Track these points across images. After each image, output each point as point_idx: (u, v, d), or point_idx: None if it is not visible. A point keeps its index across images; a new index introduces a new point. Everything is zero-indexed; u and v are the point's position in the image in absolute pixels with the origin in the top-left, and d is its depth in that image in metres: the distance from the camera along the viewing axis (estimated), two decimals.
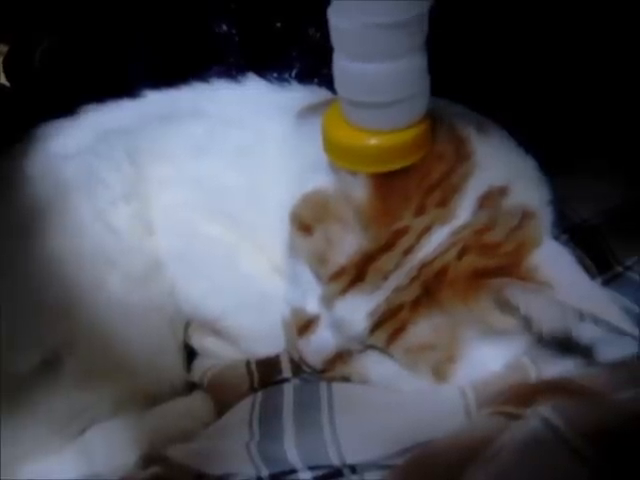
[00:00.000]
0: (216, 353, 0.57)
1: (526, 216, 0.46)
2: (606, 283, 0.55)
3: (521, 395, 0.41)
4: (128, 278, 0.54)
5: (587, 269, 0.54)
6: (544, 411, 0.36)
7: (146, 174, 0.57)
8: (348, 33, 0.40)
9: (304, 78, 0.64)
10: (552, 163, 0.63)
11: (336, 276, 0.45)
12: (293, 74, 0.65)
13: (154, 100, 0.64)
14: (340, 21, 0.40)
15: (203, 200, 0.56)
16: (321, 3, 0.44)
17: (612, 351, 0.46)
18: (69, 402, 0.52)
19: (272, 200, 0.54)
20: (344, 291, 0.44)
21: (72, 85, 0.70)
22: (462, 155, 0.46)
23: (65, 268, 0.53)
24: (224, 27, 0.64)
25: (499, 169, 0.46)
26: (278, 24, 0.65)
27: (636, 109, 0.61)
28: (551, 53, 0.65)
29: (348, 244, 0.45)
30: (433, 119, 0.46)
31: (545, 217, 0.48)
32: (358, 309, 0.44)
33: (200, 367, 0.57)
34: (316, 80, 0.64)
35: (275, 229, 0.52)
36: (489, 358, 0.45)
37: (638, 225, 0.57)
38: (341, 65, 0.42)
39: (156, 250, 0.56)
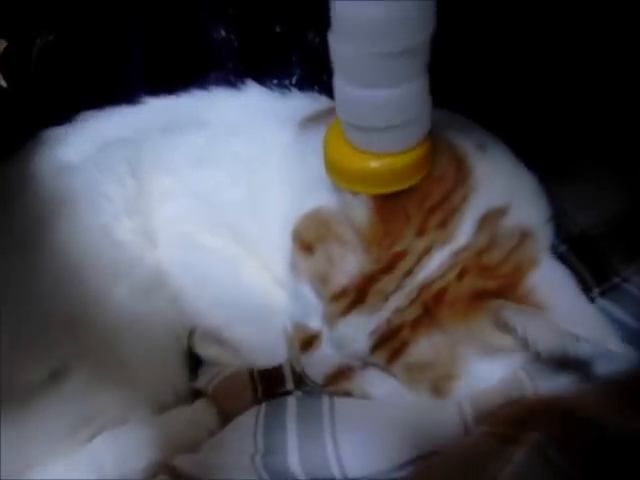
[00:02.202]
0: (220, 362, 0.58)
1: (525, 235, 0.46)
2: (603, 294, 0.55)
3: (518, 416, 0.42)
4: (133, 290, 0.55)
5: (585, 281, 0.56)
6: (538, 438, 0.37)
7: (148, 186, 0.57)
8: (348, 59, 0.40)
9: (304, 85, 0.64)
10: (553, 170, 0.65)
11: (338, 296, 0.46)
12: (293, 81, 0.65)
13: (153, 108, 0.64)
14: (340, 47, 0.40)
15: (204, 212, 0.57)
16: (321, 7, 0.44)
17: (608, 366, 0.48)
18: (78, 410, 0.53)
19: (274, 214, 0.54)
20: (346, 311, 0.45)
21: (70, 87, 0.69)
22: (462, 176, 0.46)
23: (71, 281, 0.54)
24: (222, 32, 0.64)
25: (498, 189, 0.47)
26: (278, 28, 0.65)
27: (636, 116, 0.62)
28: (548, 56, 0.65)
29: (349, 265, 0.45)
30: (433, 137, 0.46)
31: (544, 234, 0.48)
32: (359, 329, 0.45)
33: (205, 375, 0.58)
34: (317, 87, 0.63)
35: (276, 243, 0.53)
36: (487, 374, 0.46)
37: (637, 235, 0.58)
38: (341, 89, 0.42)
39: (160, 261, 0.57)
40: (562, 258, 0.55)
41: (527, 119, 0.64)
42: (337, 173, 0.46)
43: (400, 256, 0.44)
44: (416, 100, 0.42)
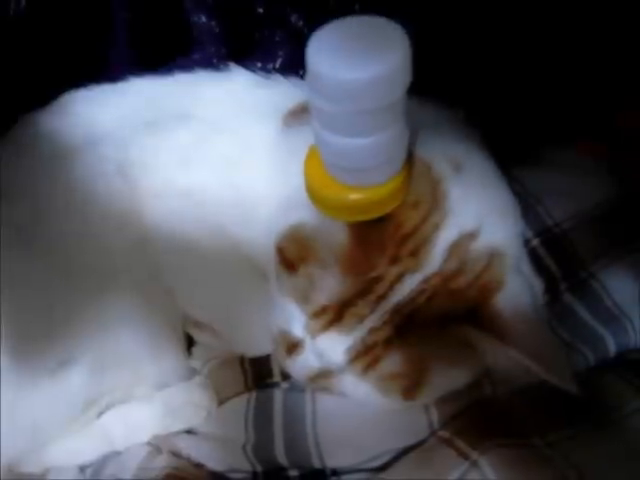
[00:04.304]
0: (212, 345, 0.63)
1: (493, 256, 0.49)
2: (570, 289, 0.58)
3: (474, 431, 0.48)
4: (129, 285, 0.58)
5: (553, 276, 0.58)
6: (483, 464, 0.43)
7: (138, 186, 0.59)
8: (326, 114, 0.41)
9: (288, 69, 0.63)
10: (532, 160, 0.66)
11: (317, 314, 0.49)
12: (277, 64, 0.64)
13: (138, 94, 0.64)
14: (317, 102, 0.40)
15: (193, 211, 0.59)
16: None
17: None
18: (85, 393, 0.58)
19: (260, 214, 0.57)
20: (324, 328, 0.49)
21: (51, 66, 0.68)
22: (436, 201, 0.48)
23: (69, 276, 0.58)
24: (203, 18, 0.62)
25: (470, 212, 0.49)
26: (260, 9, 0.63)
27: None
28: (520, 42, 0.64)
29: (328, 287, 0.49)
30: (410, 155, 0.48)
31: (511, 250, 0.51)
32: (337, 345, 0.49)
33: (199, 355, 0.64)
34: (300, 72, 0.63)
35: (261, 243, 0.56)
36: (452, 380, 0.51)
37: (608, 229, 0.60)
38: (319, 133, 0.43)
39: (153, 258, 0.60)
40: (533, 252, 0.58)
41: (507, 109, 0.65)
42: (317, 200, 0.48)
43: (375, 281, 0.47)
44: (395, 143, 0.43)
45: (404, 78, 0.38)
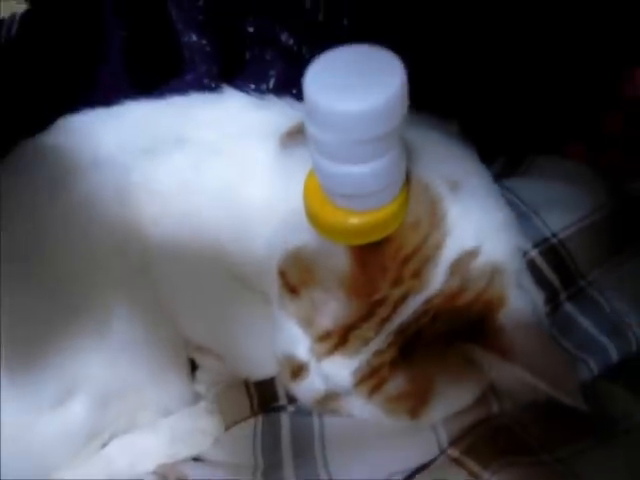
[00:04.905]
0: (216, 370, 0.63)
1: (494, 272, 0.49)
2: (570, 298, 0.59)
3: (483, 449, 0.48)
4: (131, 311, 0.58)
5: (553, 287, 0.59)
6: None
7: (137, 211, 0.59)
8: (324, 143, 0.41)
9: (281, 89, 0.63)
10: (528, 170, 0.66)
11: (322, 338, 0.49)
12: (270, 84, 0.64)
13: (135, 120, 0.63)
14: (314, 131, 0.40)
15: (192, 236, 0.59)
16: (292, 9, 0.44)
17: None
18: (88, 423, 0.57)
19: (259, 237, 0.57)
20: (329, 352, 0.49)
21: (45, 89, 0.68)
22: (436, 220, 0.48)
23: (71, 304, 0.57)
24: (193, 37, 0.62)
25: (470, 230, 0.49)
26: (250, 29, 0.63)
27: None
28: (507, 49, 0.64)
29: (332, 311, 0.49)
30: (408, 174, 0.48)
31: (512, 265, 0.51)
32: (342, 368, 0.49)
33: (204, 380, 0.63)
34: (294, 91, 0.63)
35: (262, 266, 0.56)
36: (458, 399, 0.51)
37: (604, 235, 0.60)
38: (317, 161, 0.43)
39: (154, 281, 0.59)
40: (532, 264, 0.58)
41: (503, 119, 0.65)
42: (317, 224, 0.48)
43: (378, 304, 0.47)
44: (393, 168, 0.43)
45: (402, 107, 0.39)
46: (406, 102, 0.39)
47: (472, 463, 0.47)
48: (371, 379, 0.49)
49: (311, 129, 0.40)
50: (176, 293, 0.60)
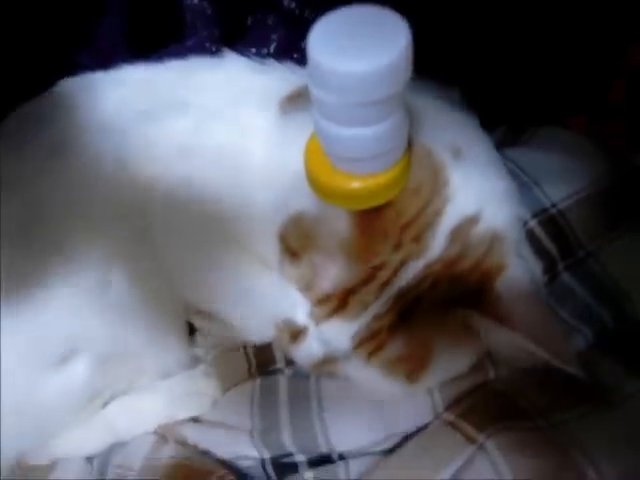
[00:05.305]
0: (214, 334, 0.63)
1: (494, 240, 0.49)
2: (568, 269, 0.59)
3: (478, 413, 0.49)
4: (131, 276, 0.58)
5: (551, 256, 0.59)
6: (490, 447, 0.44)
7: (138, 176, 0.59)
8: (327, 105, 0.40)
9: (282, 54, 0.63)
10: (530, 141, 0.66)
11: (321, 302, 0.50)
12: (271, 49, 0.64)
13: (134, 85, 0.63)
14: (318, 93, 0.40)
15: (192, 199, 0.59)
16: None
17: None
18: (90, 384, 0.58)
19: (260, 202, 0.56)
20: (329, 316, 0.50)
21: (41, 52, 0.67)
22: (437, 187, 0.48)
23: (72, 270, 0.57)
24: (195, 0, 0.61)
25: (471, 197, 0.49)
26: None
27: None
28: (512, 18, 0.64)
29: (331, 275, 0.49)
30: (411, 141, 0.48)
31: (512, 233, 0.51)
32: (342, 332, 0.50)
33: (202, 343, 0.64)
34: (295, 55, 0.62)
35: (262, 231, 0.56)
36: (455, 363, 0.52)
37: (604, 206, 0.60)
38: (319, 124, 0.42)
39: (155, 245, 0.60)
40: (530, 233, 0.58)
41: (505, 87, 0.65)
42: (318, 188, 0.48)
43: (378, 268, 0.48)
44: (396, 131, 0.43)
45: (406, 70, 0.38)
46: (410, 65, 0.39)
47: (467, 426, 0.48)
48: (370, 342, 0.49)
49: (314, 91, 0.40)
50: (176, 256, 0.60)
